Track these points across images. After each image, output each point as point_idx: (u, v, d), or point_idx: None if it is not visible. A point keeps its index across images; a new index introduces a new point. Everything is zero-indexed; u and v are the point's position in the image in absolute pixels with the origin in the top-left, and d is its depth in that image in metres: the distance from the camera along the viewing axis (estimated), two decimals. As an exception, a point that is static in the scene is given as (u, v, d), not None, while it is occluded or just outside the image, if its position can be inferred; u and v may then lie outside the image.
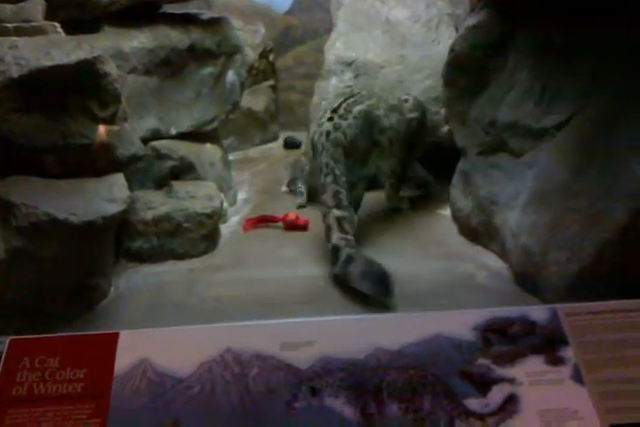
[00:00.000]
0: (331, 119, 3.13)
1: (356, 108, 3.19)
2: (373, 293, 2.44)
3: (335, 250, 2.68)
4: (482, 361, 1.54)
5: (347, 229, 2.79)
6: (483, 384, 1.50)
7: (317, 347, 1.58)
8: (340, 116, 3.13)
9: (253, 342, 1.59)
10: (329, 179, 2.97)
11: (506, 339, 1.59)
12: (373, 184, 3.71)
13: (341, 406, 1.48)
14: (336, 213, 2.85)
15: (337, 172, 2.97)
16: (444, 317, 1.69)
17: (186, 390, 1.51)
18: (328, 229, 2.82)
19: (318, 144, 3.10)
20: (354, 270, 2.53)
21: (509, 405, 1.47)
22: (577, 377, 1.52)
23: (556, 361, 1.55)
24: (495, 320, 1.63)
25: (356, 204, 3.11)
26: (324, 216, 2.89)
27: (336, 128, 3.07)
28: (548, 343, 1.59)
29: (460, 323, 1.62)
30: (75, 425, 1.46)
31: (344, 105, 3.21)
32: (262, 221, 3.54)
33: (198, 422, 1.46)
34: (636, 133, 2.20)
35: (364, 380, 1.51)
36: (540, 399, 1.48)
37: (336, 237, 2.74)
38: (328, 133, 3.06)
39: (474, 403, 1.47)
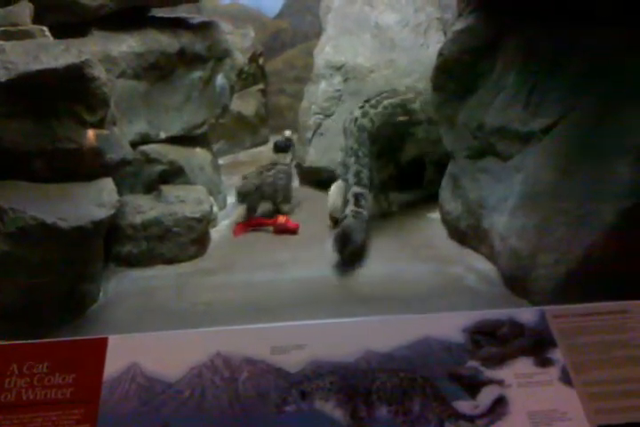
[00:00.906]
0: (362, 107, 3.46)
1: (388, 101, 3.52)
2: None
3: (343, 218, 3.11)
4: (471, 363, 1.55)
5: (362, 204, 3.16)
6: (472, 386, 1.51)
7: (308, 350, 1.58)
8: (371, 106, 3.46)
9: (243, 347, 1.58)
10: (352, 160, 3.30)
11: (495, 341, 1.59)
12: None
13: (332, 409, 1.47)
14: (356, 189, 3.20)
15: (360, 154, 3.31)
16: (434, 319, 1.69)
17: (176, 395, 1.50)
18: (345, 203, 3.18)
19: (347, 129, 3.41)
20: (342, 227, 3.03)
21: (498, 407, 1.47)
22: (565, 379, 1.53)
23: (544, 363, 1.56)
24: (484, 322, 1.64)
25: (380, 183, 3.57)
26: (346, 192, 3.25)
27: (364, 115, 3.41)
28: (537, 345, 1.59)
29: (450, 325, 1.62)
30: (64, 431, 1.45)
31: (377, 98, 3.54)
32: (253, 224, 3.54)
33: (188, 427, 1.46)
34: (622, 136, 2.22)
35: (354, 383, 1.51)
36: (529, 401, 1.48)
37: (350, 209, 3.12)
38: (356, 120, 3.39)
39: (463, 405, 1.47)
